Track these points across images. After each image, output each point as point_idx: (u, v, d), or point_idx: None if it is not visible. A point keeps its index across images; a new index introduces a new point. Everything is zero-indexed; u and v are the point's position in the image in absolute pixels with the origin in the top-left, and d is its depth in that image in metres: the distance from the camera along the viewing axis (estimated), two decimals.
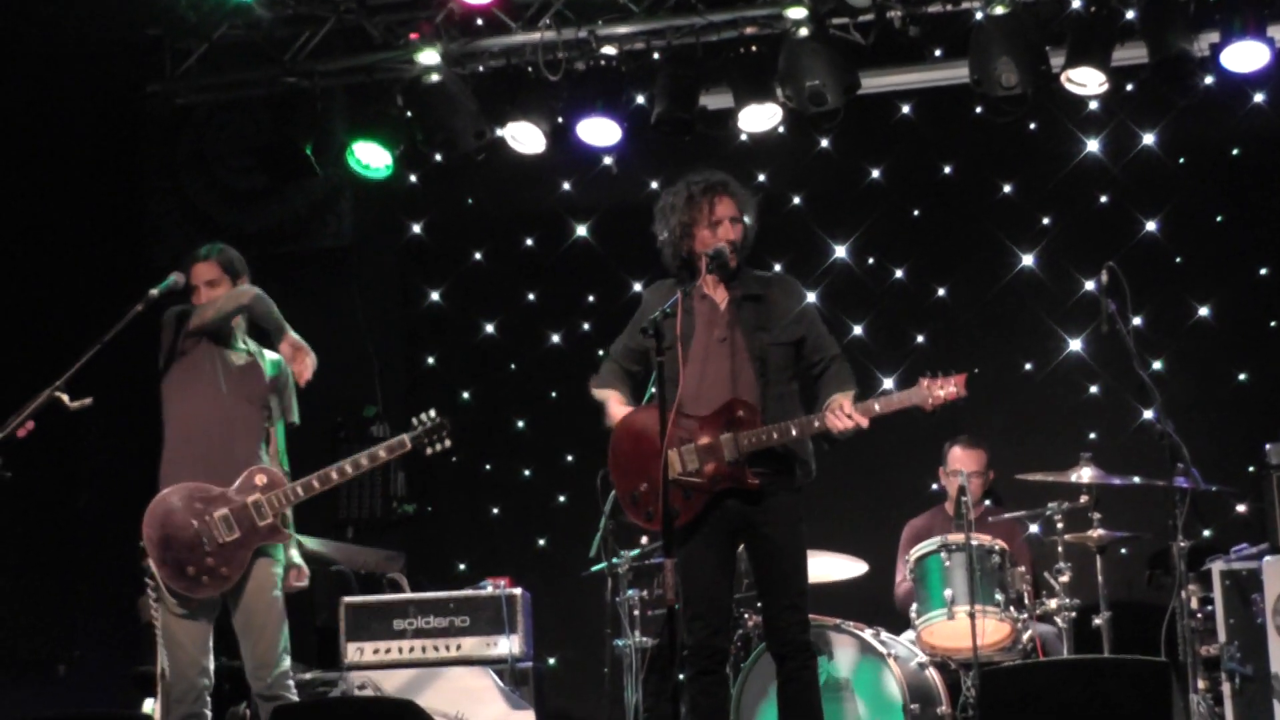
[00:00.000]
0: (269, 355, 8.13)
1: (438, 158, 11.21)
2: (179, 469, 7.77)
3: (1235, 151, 11.04)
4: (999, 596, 8.95)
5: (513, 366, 12.16)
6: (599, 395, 7.86)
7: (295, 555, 8.03)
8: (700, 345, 7.50)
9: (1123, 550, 10.18)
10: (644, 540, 9.66)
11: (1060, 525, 9.05)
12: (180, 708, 7.65)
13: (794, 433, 7.29)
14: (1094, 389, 11.03)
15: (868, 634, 8.98)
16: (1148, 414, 8.66)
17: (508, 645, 9.49)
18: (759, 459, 7.37)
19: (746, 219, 7.61)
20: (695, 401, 7.41)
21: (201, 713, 7.68)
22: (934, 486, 10.53)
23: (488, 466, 12.10)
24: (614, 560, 9.48)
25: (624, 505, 7.73)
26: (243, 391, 7.93)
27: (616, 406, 7.77)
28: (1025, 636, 9.01)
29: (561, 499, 11.82)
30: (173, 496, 7.68)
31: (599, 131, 10.73)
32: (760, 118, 10.55)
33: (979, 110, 10.82)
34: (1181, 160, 11.11)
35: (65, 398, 7.26)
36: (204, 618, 7.70)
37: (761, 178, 11.22)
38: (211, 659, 7.75)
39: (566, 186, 12.10)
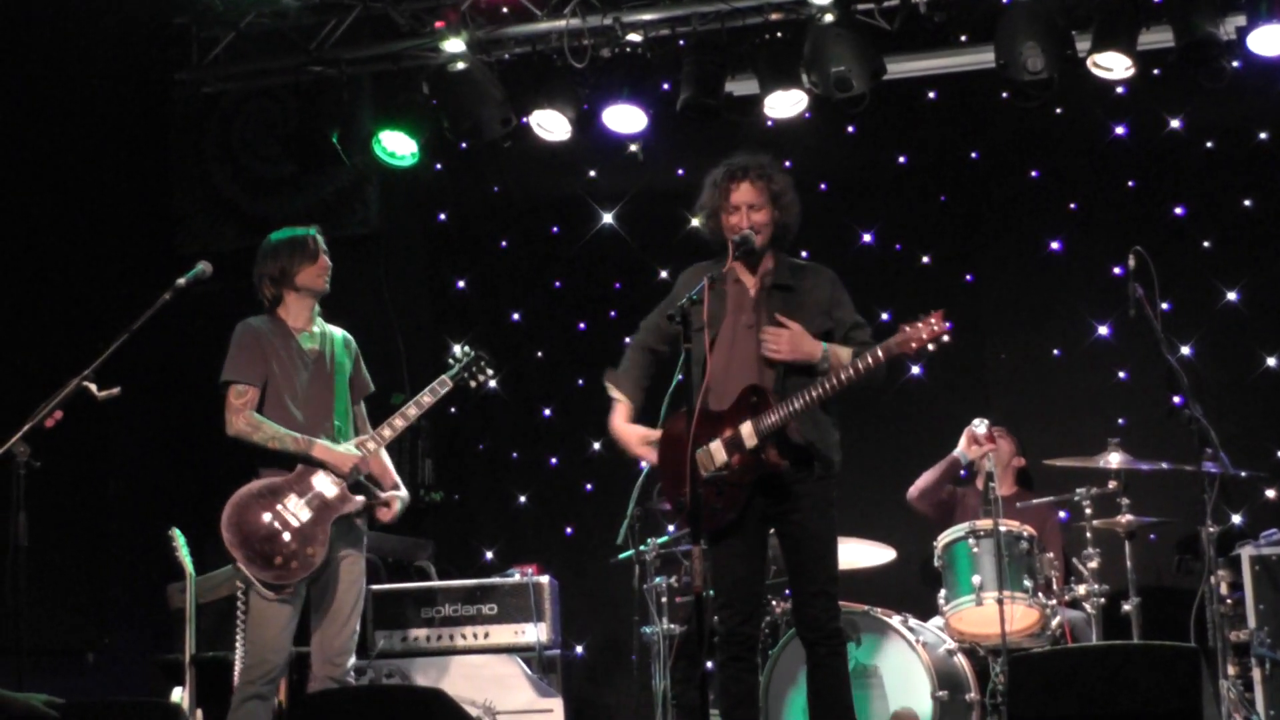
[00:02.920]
0: (336, 333, 8.20)
1: (463, 145, 11.21)
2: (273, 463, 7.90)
3: (1262, 135, 10.99)
4: (1027, 582, 8.94)
5: (539, 354, 12.16)
6: (611, 393, 7.87)
7: (395, 493, 8.12)
8: (728, 329, 7.49)
9: (1152, 536, 10.15)
10: (671, 528, 9.67)
11: (1089, 511, 9.03)
12: (250, 687, 7.73)
13: (797, 405, 7.24)
14: (1122, 374, 11.00)
15: (896, 620, 8.98)
16: (1176, 399, 8.62)
17: (535, 633, 9.51)
18: (782, 451, 7.37)
19: (778, 203, 7.56)
20: (721, 388, 7.41)
21: (268, 694, 7.77)
22: (962, 473, 10.51)
23: (515, 454, 12.11)
24: (641, 547, 9.49)
25: (677, 515, 7.80)
26: (320, 379, 8.00)
27: (619, 421, 7.80)
28: (1054, 623, 9.00)
29: (588, 487, 11.82)
30: (240, 500, 7.78)
31: (625, 118, 10.73)
32: (786, 104, 10.55)
33: (1005, 95, 10.83)
34: (1209, 144, 11.08)
35: (93, 387, 7.26)
36: (294, 603, 7.79)
37: (787, 164, 11.12)
38: (291, 645, 7.82)
39: (592, 174, 12.11)
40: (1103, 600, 8.96)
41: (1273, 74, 10.61)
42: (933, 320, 7.23)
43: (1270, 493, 10.41)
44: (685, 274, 7.81)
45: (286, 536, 7.70)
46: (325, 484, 7.80)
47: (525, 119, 10.79)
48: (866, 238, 11.57)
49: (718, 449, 7.36)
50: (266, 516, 7.72)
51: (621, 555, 9.63)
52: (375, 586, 9.80)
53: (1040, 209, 11.32)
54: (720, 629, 7.42)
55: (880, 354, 7.24)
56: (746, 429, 7.31)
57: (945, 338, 7.24)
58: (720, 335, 7.48)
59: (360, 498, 7.88)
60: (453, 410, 12.12)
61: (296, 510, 7.74)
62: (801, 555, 7.40)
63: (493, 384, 8.20)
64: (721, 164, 7.68)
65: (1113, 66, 10.10)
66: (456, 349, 8.16)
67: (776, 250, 7.64)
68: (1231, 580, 8.83)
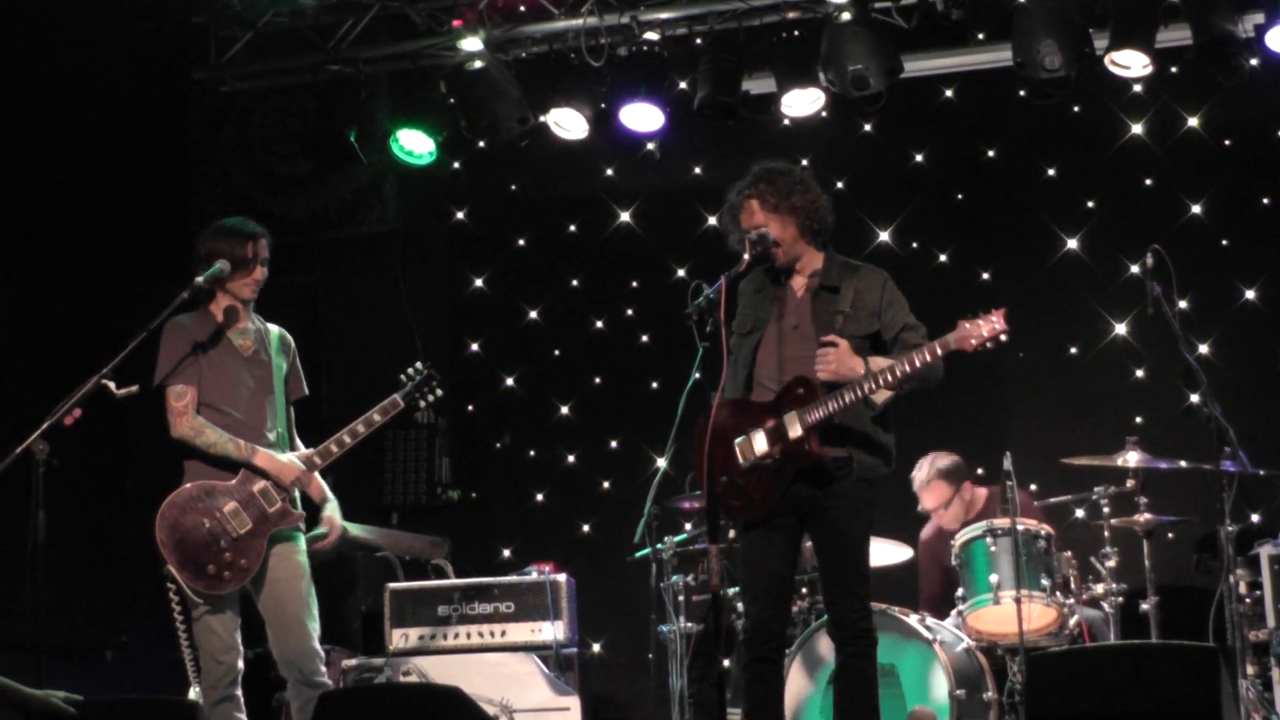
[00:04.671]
0: (272, 330, 8.09)
1: (481, 144, 11.24)
2: (199, 465, 7.80)
3: None
4: (1045, 581, 8.93)
5: (556, 352, 12.17)
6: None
7: (330, 512, 8.01)
8: (774, 332, 7.50)
9: (1170, 534, 10.14)
10: (688, 526, 9.68)
11: (1107, 510, 9.02)
12: (215, 692, 7.69)
13: (847, 398, 7.23)
14: (1140, 372, 10.99)
15: (913, 619, 8.97)
16: (1194, 397, 8.61)
17: (552, 631, 9.51)
18: (825, 444, 7.35)
19: (780, 212, 7.53)
20: (763, 386, 7.43)
21: (234, 694, 7.72)
22: (979, 470, 10.50)
23: (531, 452, 12.11)
24: (658, 546, 9.49)
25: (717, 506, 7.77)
26: (256, 374, 7.92)
27: None
28: (1072, 621, 8.99)
29: (605, 485, 11.83)
30: (179, 499, 7.69)
31: (642, 117, 10.71)
32: (803, 102, 10.54)
33: (1022, 93, 10.82)
34: (1227, 142, 11.06)
35: (112, 385, 7.27)
36: (230, 609, 7.71)
37: (804, 162, 11.17)
38: (240, 641, 7.76)
39: (609, 172, 12.11)
40: (1121, 599, 8.94)
41: None
42: (994, 318, 7.24)
43: None
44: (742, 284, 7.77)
45: (222, 544, 7.60)
46: (267, 495, 7.68)
47: (543, 118, 10.80)
48: (883, 236, 11.56)
49: (759, 438, 7.35)
50: (205, 523, 7.62)
51: (639, 553, 9.63)
52: (392, 585, 9.82)
53: (1057, 207, 11.31)
54: (746, 623, 7.43)
55: (938, 349, 7.24)
56: (792, 418, 7.30)
57: (1003, 337, 7.24)
58: (766, 336, 7.50)
59: (299, 512, 7.79)
60: (470, 408, 12.14)
61: (235, 520, 7.63)
62: (834, 555, 7.39)
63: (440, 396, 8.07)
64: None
65: (1130, 64, 10.07)
66: (411, 368, 8.09)
67: (826, 251, 7.65)
68: (1250, 579, 8.82)
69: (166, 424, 7.78)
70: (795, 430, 7.28)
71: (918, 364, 7.22)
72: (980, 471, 10.38)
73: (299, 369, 8.15)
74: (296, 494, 7.86)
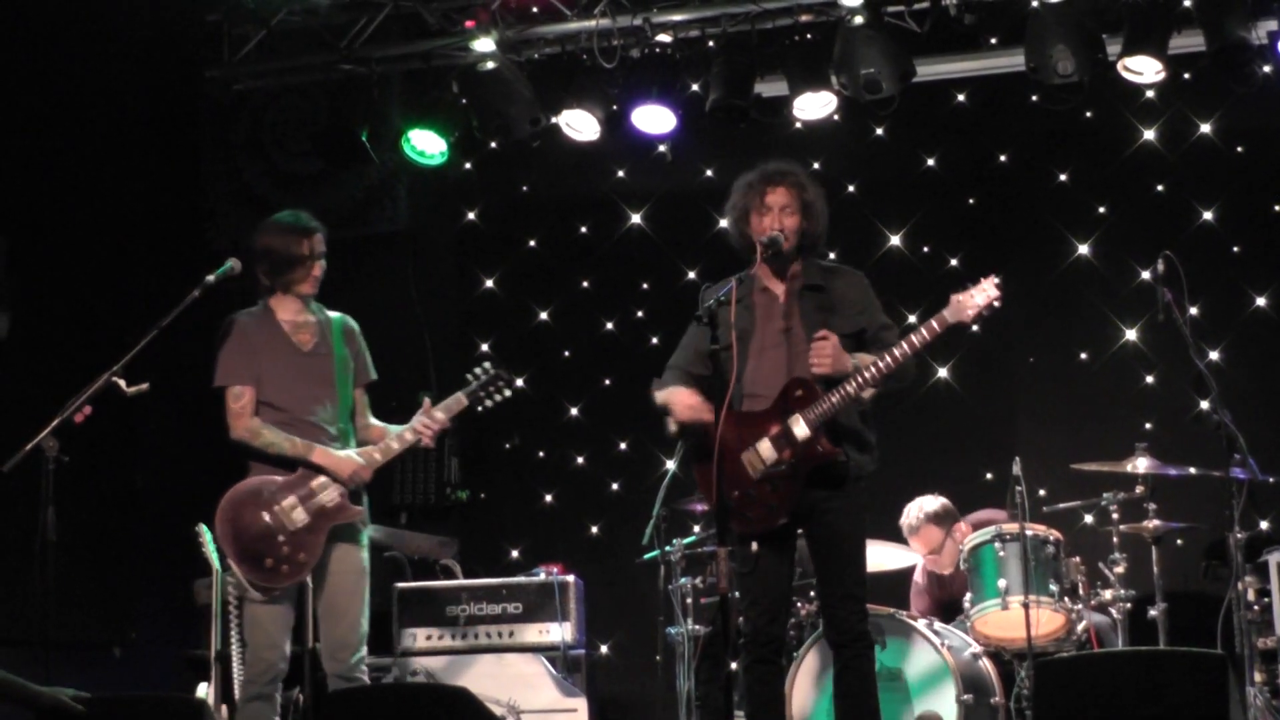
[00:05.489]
0: (334, 316, 8.14)
1: (493, 145, 11.23)
2: (261, 465, 7.85)
3: None
4: (1053, 587, 8.93)
5: (566, 353, 12.16)
6: (661, 397, 7.64)
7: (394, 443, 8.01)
8: (759, 339, 7.49)
9: (1179, 541, 10.12)
10: (697, 528, 9.68)
11: (1116, 515, 9.01)
12: (252, 687, 7.73)
13: (850, 390, 7.22)
14: (1150, 379, 10.98)
15: (921, 624, 8.97)
16: (1204, 404, 8.60)
17: (560, 632, 9.52)
18: (833, 441, 7.35)
19: (808, 213, 7.55)
20: (756, 395, 7.41)
21: (271, 694, 7.74)
22: (988, 476, 10.50)
23: (541, 453, 12.11)
24: (667, 548, 9.49)
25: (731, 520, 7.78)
26: (316, 369, 7.96)
27: (681, 394, 7.50)
28: (1080, 627, 8.99)
29: (615, 486, 11.82)
30: (239, 493, 7.75)
31: (654, 119, 10.71)
32: (815, 105, 10.54)
33: (1035, 98, 10.80)
34: (1239, 149, 11.06)
35: (122, 382, 7.27)
36: (286, 602, 7.75)
37: (816, 165, 11.18)
38: (289, 642, 7.79)
39: (621, 174, 12.11)
40: (1129, 605, 8.93)
41: None
42: (986, 285, 7.27)
43: None
44: (707, 291, 7.79)
45: (280, 539, 7.65)
46: (326, 490, 7.73)
47: (554, 119, 10.80)
48: (894, 240, 11.56)
49: (766, 447, 7.34)
50: (264, 516, 7.67)
51: (647, 555, 9.64)
52: (400, 584, 9.83)
53: (1069, 212, 11.30)
54: (746, 628, 7.43)
55: (935, 326, 7.26)
56: (796, 420, 7.29)
57: (997, 303, 7.25)
58: (752, 346, 7.48)
59: (359, 508, 7.84)
60: (479, 408, 12.13)
61: (294, 514, 7.68)
62: (831, 558, 7.39)
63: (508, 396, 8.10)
64: (755, 168, 7.66)
65: (1143, 70, 10.07)
66: (478, 369, 8.11)
67: (805, 256, 7.63)
68: (1259, 586, 8.80)
69: (227, 426, 7.84)
70: (803, 431, 7.28)
71: (917, 344, 7.24)
72: (990, 477, 10.36)
73: (364, 354, 8.18)
74: (363, 492, 7.93)
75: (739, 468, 7.31)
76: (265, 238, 7.95)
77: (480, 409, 8.17)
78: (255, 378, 7.83)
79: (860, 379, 7.23)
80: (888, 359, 7.24)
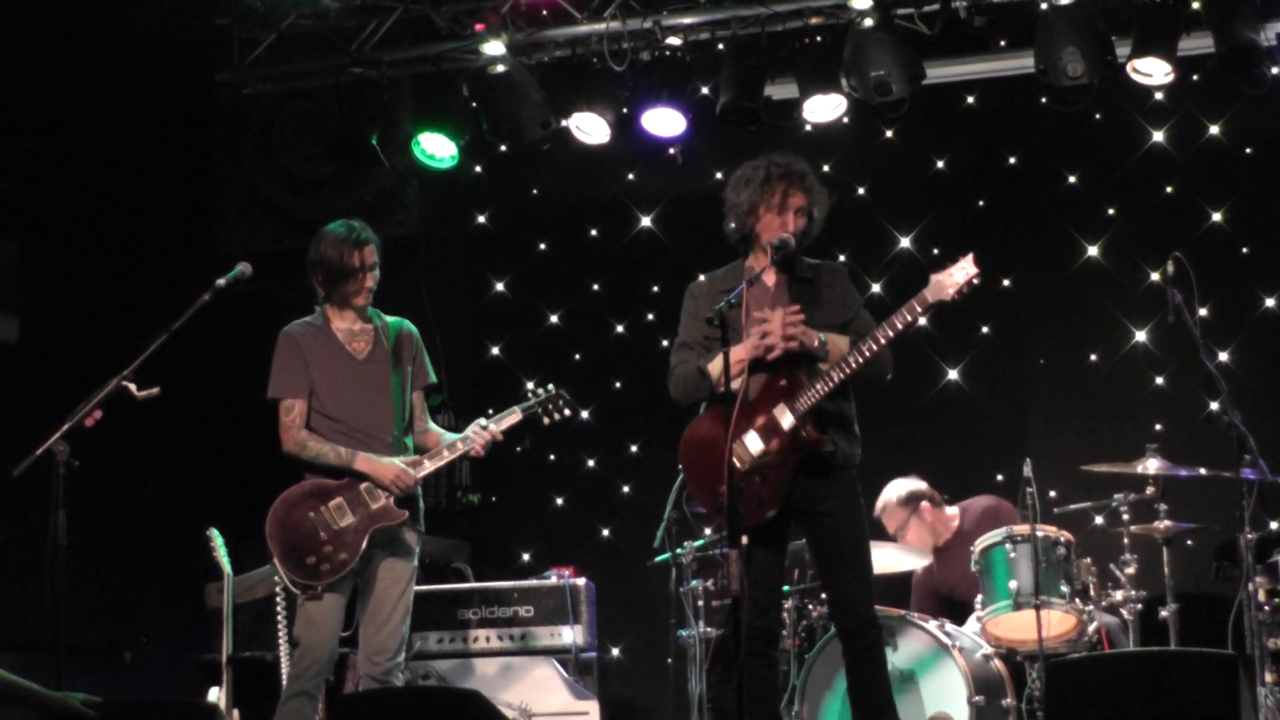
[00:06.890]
0: (391, 321, 8.21)
1: (503, 148, 11.21)
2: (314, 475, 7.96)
3: None
4: (1064, 588, 8.92)
5: (577, 356, 12.17)
6: (686, 380, 7.64)
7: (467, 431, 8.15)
8: (747, 331, 7.47)
9: (1189, 542, 10.11)
10: (708, 531, 9.67)
11: (1126, 516, 9.01)
12: (297, 683, 7.82)
13: (836, 377, 7.27)
14: (1160, 380, 10.98)
15: (932, 625, 8.96)
16: (1214, 405, 8.59)
17: (571, 635, 9.52)
18: (819, 429, 7.36)
19: (815, 214, 7.59)
20: (751, 388, 7.41)
21: (311, 691, 7.83)
22: (999, 477, 10.50)
23: (552, 456, 12.12)
24: (678, 550, 9.49)
25: (714, 515, 7.87)
26: (370, 377, 8.04)
27: (730, 351, 7.20)
28: (1091, 628, 8.98)
29: (625, 489, 11.84)
30: (290, 496, 7.87)
31: (664, 122, 10.71)
32: (825, 108, 10.54)
33: (1044, 100, 10.81)
34: (1248, 150, 11.05)
35: (133, 387, 7.28)
36: (333, 604, 7.83)
37: (826, 168, 11.18)
38: (338, 641, 7.90)
39: (631, 176, 12.12)
40: (1140, 606, 8.92)
41: None
42: (963, 263, 7.32)
43: None
44: (697, 288, 7.80)
45: (323, 537, 7.75)
46: (371, 492, 7.83)
47: (565, 122, 10.81)
48: (905, 242, 11.56)
49: (752, 439, 7.36)
50: (310, 516, 7.78)
51: (658, 558, 9.64)
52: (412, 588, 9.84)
53: (1079, 214, 11.30)
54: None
55: (917, 306, 7.31)
56: (781, 410, 7.31)
57: (976, 280, 7.29)
58: (739, 338, 7.49)
59: (401, 511, 7.89)
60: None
61: (338, 513, 7.79)
62: (838, 544, 7.42)
63: (558, 419, 8.26)
64: (761, 163, 7.66)
65: (1152, 72, 10.07)
66: (540, 387, 8.23)
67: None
68: (1270, 587, 8.77)
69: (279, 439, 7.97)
70: (788, 421, 7.31)
71: (900, 325, 7.27)
72: (1000, 478, 10.35)
73: (423, 357, 8.27)
74: (417, 498, 8.06)
75: (725, 463, 7.27)
76: (320, 248, 8.04)
77: (539, 426, 8.31)
78: (307, 390, 7.94)
79: (845, 366, 7.29)
80: (871, 344, 7.28)
